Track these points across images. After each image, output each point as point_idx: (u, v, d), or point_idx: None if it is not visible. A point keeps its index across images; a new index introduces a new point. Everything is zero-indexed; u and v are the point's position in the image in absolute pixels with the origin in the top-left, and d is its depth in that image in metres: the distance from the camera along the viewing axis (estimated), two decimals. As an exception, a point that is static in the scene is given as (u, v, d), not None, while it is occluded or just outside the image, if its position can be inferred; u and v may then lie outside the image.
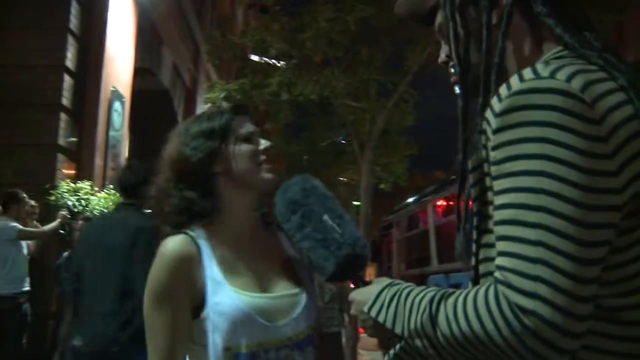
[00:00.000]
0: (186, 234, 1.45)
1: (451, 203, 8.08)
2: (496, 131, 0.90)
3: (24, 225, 5.57)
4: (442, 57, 1.18)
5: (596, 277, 0.85)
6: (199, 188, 1.48)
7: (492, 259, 0.95)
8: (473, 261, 1.04)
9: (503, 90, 0.92)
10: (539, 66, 0.92)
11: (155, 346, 1.38)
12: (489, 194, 0.97)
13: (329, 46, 8.92)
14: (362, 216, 10.59)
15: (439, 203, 8.12)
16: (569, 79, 0.87)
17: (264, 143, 1.55)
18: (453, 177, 8.11)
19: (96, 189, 7.21)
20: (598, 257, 0.84)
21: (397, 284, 1.10)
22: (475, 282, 1.04)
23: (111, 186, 7.51)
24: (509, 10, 1.03)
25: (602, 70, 0.92)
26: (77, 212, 6.45)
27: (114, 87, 8.64)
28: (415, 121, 12.65)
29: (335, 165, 14.93)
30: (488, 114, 0.94)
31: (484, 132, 0.96)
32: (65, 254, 5.47)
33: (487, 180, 0.98)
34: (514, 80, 0.91)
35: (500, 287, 0.85)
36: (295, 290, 1.51)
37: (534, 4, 1.03)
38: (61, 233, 6.10)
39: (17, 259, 5.41)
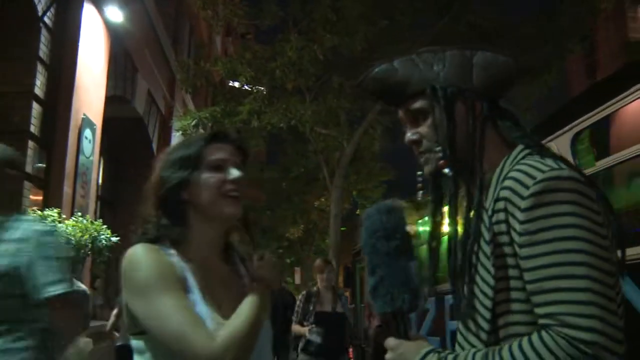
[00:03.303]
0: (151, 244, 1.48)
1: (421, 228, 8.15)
2: (529, 208, 1.13)
3: None
4: (412, 137, 1.40)
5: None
6: (171, 215, 1.51)
7: (513, 312, 1.18)
8: (485, 325, 1.22)
9: (525, 178, 1.16)
10: (537, 160, 1.20)
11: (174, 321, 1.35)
12: (508, 259, 1.19)
13: (299, 75, 9.05)
14: (331, 242, 10.63)
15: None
16: (570, 169, 1.17)
17: (233, 173, 1.54)
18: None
19: (64, 216, 7.17)
20: (614, 294, 1.11)
21: (439, 350, 1.24)
22: (489, 343, 1.21)
23: (79, 213, 7.50)
24: (486, 112, 1.34)
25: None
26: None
27: (85, 115, 8.67)
28: (393, 146, 12.80)
29: (308, 192, 14.99)
30: (510, 195, 1.17)
31: (502, 210, 1.19)
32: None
33: (506, 249, 1.19)
34: (533, 171, 1.16)
35: (557, 329, 1.07)
36: None
37: (500, 120, 1.36)
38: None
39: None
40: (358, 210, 15.65)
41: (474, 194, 1.29)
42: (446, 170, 1.35)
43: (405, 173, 16.21)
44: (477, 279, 1.24)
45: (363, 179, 14.25)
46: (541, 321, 1.10)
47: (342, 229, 13.19)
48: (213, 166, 1.54)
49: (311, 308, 5.89)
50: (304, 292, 6.41)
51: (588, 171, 3.75)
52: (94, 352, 6.68)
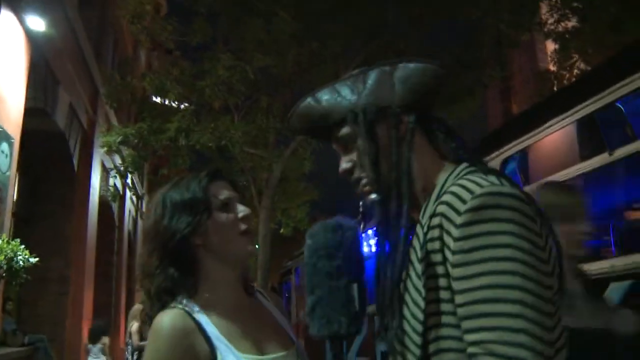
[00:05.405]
0: (178, 308, 1.38)
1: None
2: (465, 224, 1.04)
3: None
4: (345, 166, 1.32)
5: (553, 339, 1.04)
6: (181, 264, 1.41)
7: (444, 338, 1.08)
8: (416, 351, 1.13)
9: (463, 193, 1.07)
10: (479, 177, 1.12)
11: None
12: (440, 280, 1.09)
13: (228, 94, 9.01)
14: (260, 263, 10.57)
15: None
16: (513, 187, 1.09)
17: (242, 210, 1.50)
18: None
19: (-23, 235, 6.77)
20: (552, 325, 1.03)
21: None
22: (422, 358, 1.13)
23: (-6, 231, 7.10)
24: (412, 127, 1.25)
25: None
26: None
27: (1, 127, 8.26)
28: (316, 166, 12.93)
29: (234, 211, 14.91)
30: (447, 210, 1.08)
31: (437, 226, 1.10)
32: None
33: (439, 268, 1.10)
34: (472, 186, 1.08)
35: (484, 358, 0.97)
36: (289, 350, 1.49)
37: (435, 131, 1.29)
38: None
39: None
40: (282, 229, 15.65)
41: (402, 213, 1.22)
42: (373, 196, 1.27)
43: (329, 193, 16.36)
44: (408, 300, 1.17)
45: (286, 199, 14.33)
46: (470, 350, 1.01)
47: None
48: (222, 206, 1.48)
49: None
50: None
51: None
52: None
